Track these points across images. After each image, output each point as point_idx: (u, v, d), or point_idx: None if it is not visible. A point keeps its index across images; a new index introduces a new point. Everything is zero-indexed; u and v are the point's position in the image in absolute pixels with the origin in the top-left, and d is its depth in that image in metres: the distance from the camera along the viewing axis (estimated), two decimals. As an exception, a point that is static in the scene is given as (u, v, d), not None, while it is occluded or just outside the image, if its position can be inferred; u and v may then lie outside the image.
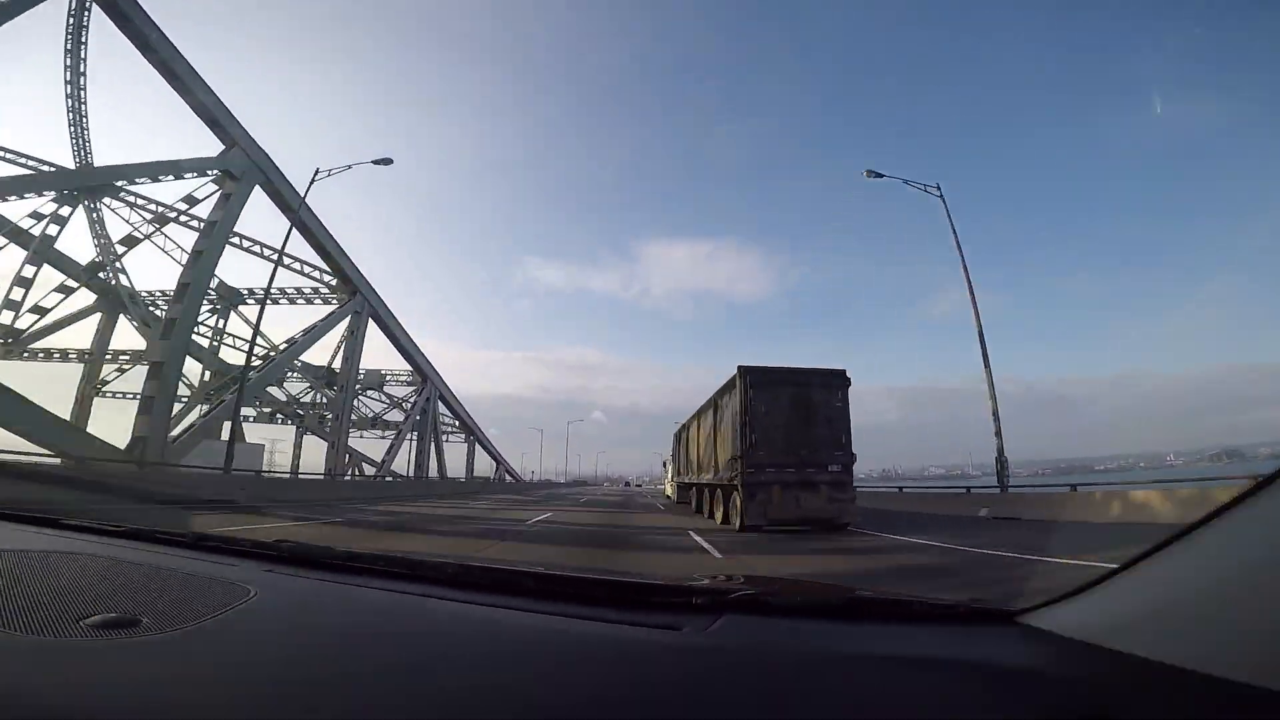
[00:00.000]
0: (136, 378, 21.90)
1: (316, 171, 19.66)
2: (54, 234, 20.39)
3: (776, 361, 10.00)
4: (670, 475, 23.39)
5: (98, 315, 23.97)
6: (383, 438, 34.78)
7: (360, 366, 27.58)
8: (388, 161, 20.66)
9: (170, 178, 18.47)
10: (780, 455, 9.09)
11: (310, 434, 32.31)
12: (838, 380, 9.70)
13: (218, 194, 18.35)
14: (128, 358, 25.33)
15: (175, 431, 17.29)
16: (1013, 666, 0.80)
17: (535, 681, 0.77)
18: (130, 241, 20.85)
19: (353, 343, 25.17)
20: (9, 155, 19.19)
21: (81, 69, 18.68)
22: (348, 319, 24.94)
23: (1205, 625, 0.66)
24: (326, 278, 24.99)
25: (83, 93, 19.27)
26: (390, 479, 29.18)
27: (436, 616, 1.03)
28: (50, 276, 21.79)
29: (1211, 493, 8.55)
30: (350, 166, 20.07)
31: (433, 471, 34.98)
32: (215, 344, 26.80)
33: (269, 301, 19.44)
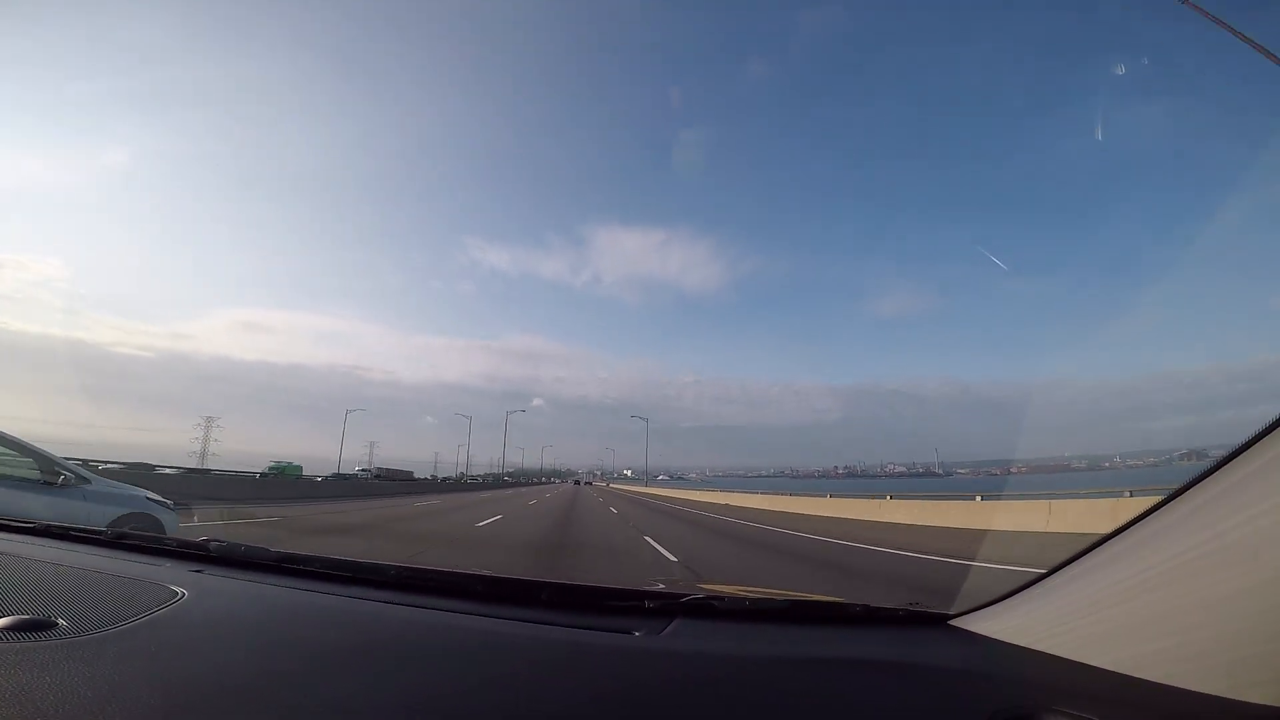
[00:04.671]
0: None
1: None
2: None
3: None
4: None
5: None
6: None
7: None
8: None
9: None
10: None
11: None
12: None
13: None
14: None
15: None
16: (946, 668, 0.84)
17: (485, 685, 0.75)
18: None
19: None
20: None
21: None
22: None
23: (1124, 628, 0.72)
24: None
25: None
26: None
27: (379, 621, 0.98)
28: None
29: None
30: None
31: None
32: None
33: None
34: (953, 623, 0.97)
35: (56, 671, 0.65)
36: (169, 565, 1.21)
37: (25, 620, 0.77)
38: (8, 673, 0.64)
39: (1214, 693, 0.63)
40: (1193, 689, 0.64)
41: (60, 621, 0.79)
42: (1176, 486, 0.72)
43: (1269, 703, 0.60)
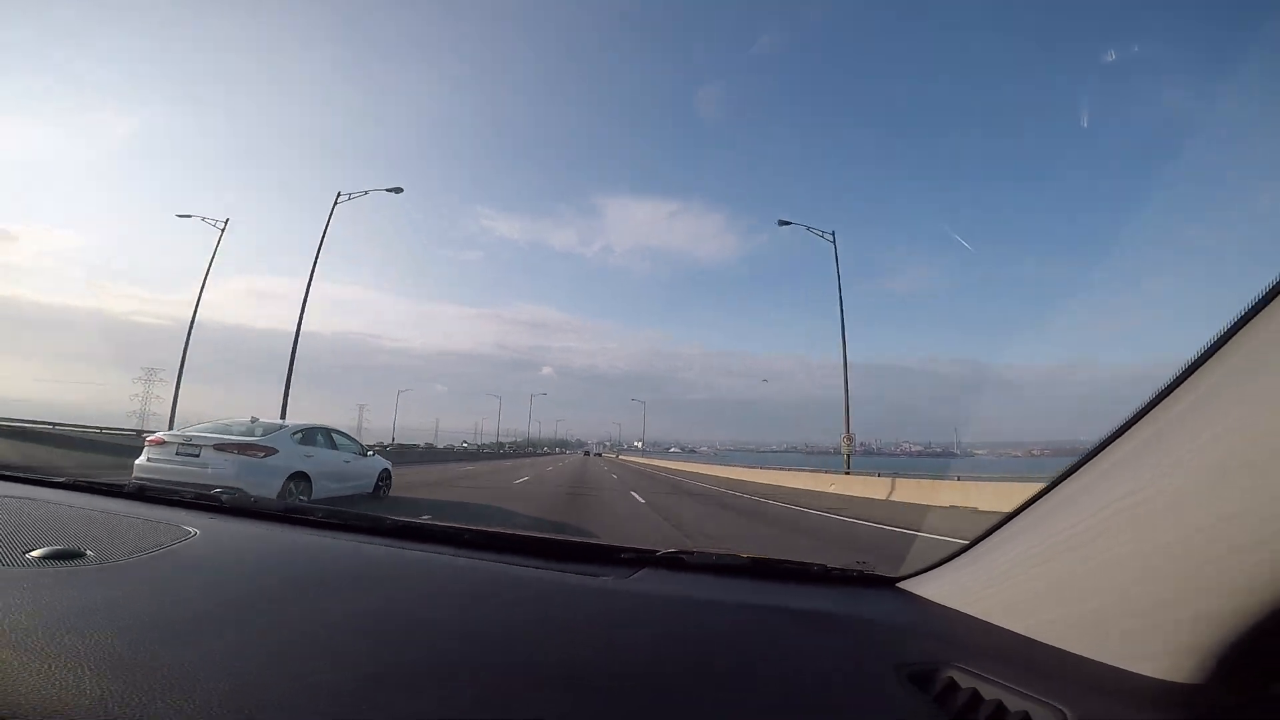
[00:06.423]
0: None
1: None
2: None
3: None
4: None
5: None
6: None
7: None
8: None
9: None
10: None
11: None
12: None
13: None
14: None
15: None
16: (888, 623, 0.93)
17: (458, 607, 0.86)
18: None
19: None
20: None
21: None
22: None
23: (1031, 594, 0.79)
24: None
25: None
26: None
27: (373, 558, 1.11)
28: None
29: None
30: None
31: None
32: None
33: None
34: (899, 584, 1.07)
35: (76, 590, 0.78)
36: (187, 513, 1.33)
37: (57, 550, 0.90)
38: (36, 592, 0.76)
39: (1106, 661, 0.66)
40: (1087, 655, 0.68)
41: (88, 553, 0.92)
42: (1075, 461, 0.76)
43: (1156, 675, 0.62)
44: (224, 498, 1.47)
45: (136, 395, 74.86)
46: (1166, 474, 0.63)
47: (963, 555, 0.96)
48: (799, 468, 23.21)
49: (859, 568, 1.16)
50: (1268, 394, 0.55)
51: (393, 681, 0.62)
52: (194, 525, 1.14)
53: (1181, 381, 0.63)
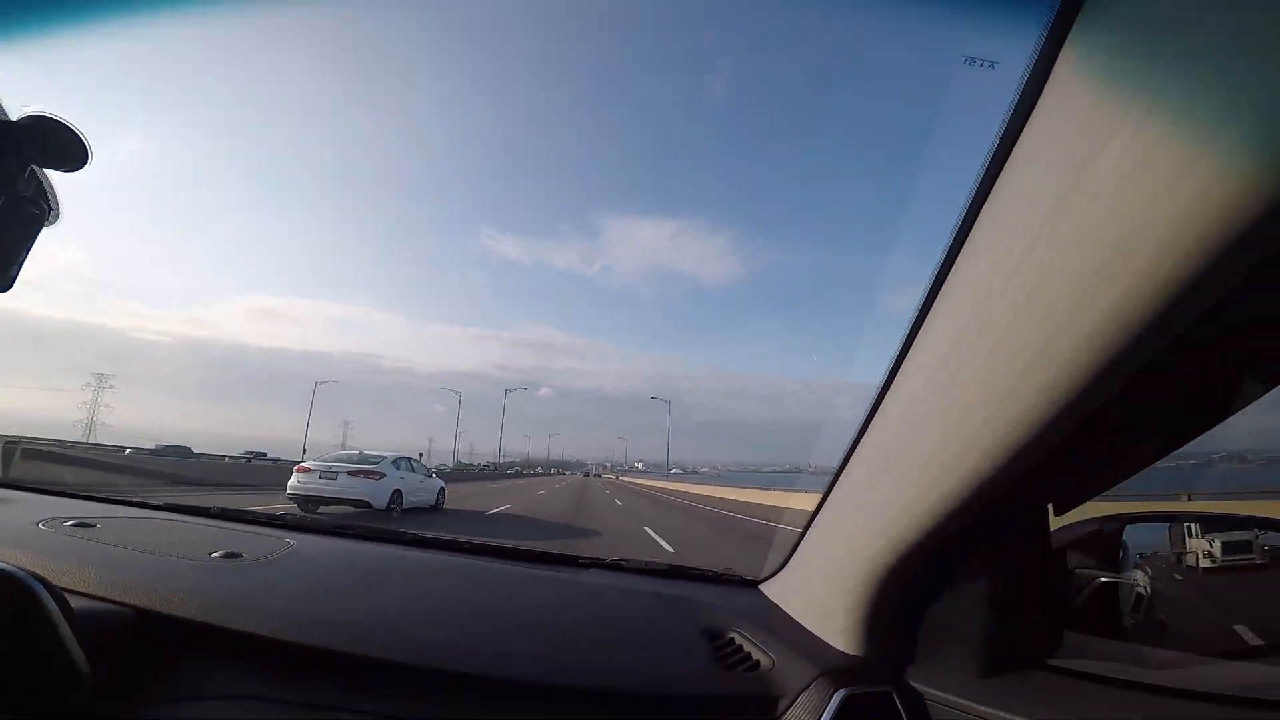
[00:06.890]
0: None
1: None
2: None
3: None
4: None
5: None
6: None
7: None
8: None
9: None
10: None
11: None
12: None
13: None
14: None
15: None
16: (727, 607, 1.29)
17: (463, 595, 1.27)
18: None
19: None
20: None
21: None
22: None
23: (801, 583, 1.20)
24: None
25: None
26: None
27: (406, 560, 1.59)
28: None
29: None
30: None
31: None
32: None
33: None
34: (759, 586, 1.39)
35: (248, 578, 1.19)
36: (284, 532, 1.69)
37: (227, 552, 1.29)
38: (225, 577, 1.17)
39: (820, 635, 0.97)
40: (812, 630, 1.00)
41: (244, 554, 1.29)
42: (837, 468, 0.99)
43: (842, 648, 0.91)
44: (288, 518, 1.95)
45: (84, 403, 69.64)
46: (853, 475, 0.95)
47: (792, 556, 1.28)
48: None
49: (739, 575, 1.54)
50: (895, 411, 0.82)
51: (420, 636, 1.02)
52: (291, 538, 1.54)
53: (882, 389, 0.86)
